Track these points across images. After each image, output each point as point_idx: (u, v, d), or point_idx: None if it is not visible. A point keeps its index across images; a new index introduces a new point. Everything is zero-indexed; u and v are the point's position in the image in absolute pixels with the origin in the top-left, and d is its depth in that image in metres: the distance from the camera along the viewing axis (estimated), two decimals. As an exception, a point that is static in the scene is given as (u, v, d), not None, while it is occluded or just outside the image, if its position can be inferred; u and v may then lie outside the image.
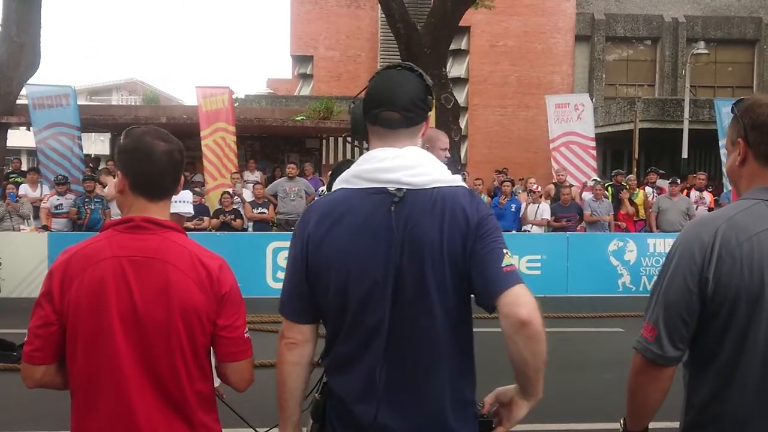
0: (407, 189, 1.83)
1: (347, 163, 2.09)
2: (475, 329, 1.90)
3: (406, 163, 1.85)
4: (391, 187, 1.83)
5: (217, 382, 2.07)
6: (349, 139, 2.42)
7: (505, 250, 1.79)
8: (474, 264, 1.78)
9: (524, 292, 1.73)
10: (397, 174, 1.84)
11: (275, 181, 13.25)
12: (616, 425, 2.00)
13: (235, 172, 12.57)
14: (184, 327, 1.87)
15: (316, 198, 9.25)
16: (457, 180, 1.89)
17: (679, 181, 12.33)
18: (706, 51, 20.90)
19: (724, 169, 11.25)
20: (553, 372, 6.88)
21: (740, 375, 1.76)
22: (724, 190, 12.14)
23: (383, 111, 1.89)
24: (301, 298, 1.91)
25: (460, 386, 1.85)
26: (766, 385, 1.74)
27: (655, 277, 1.90)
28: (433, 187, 1.83)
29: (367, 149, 1.98)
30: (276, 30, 67.48)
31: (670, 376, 1.83)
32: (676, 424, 1.92)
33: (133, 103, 32.98)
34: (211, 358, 1.98)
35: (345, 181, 1.92)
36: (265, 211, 12.16)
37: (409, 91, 1.89)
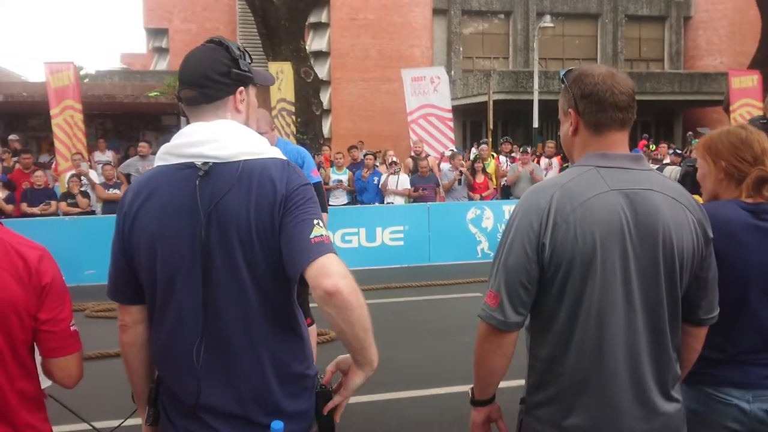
0: (213, 162, 1.79)
1: None
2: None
3: (209, 137, 1.81)
4: (198, 161, 1.79)
5: (47, 382, 1.95)
6: None
7: (315, 221, 1.76)
8: (283, 237, 1.75)
9: (331, 262, 1.69)
10: (201, 148, 1.80)
11: (127, 161, 12.70)
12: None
13: (75, 153, 11.91)
14: None
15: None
16: (273, 152, 1.85)
17: (530, 149, 12.95)
18: (552, 24, 21.95)
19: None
20: (416, 340, 7.10)
21: (577, 336, 1.82)
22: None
23: (181, 89, 1.88)
24: (123, 279, 1.87)
25: (284, 361, 1.83)
26: (600, 345, 1.80)
27: (498, 245, 1.93)
28: (240, 160, 1.79)
29: None
30: (129, 1, 64.05)
31: (513, 341, 1.87)
32: (522, 382, 1.97)
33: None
34: (35, 354, 1.86)
35: (159, 158, 1.88)
36: (118, 191, 11.57)
37: (202, 67, 1.85)
